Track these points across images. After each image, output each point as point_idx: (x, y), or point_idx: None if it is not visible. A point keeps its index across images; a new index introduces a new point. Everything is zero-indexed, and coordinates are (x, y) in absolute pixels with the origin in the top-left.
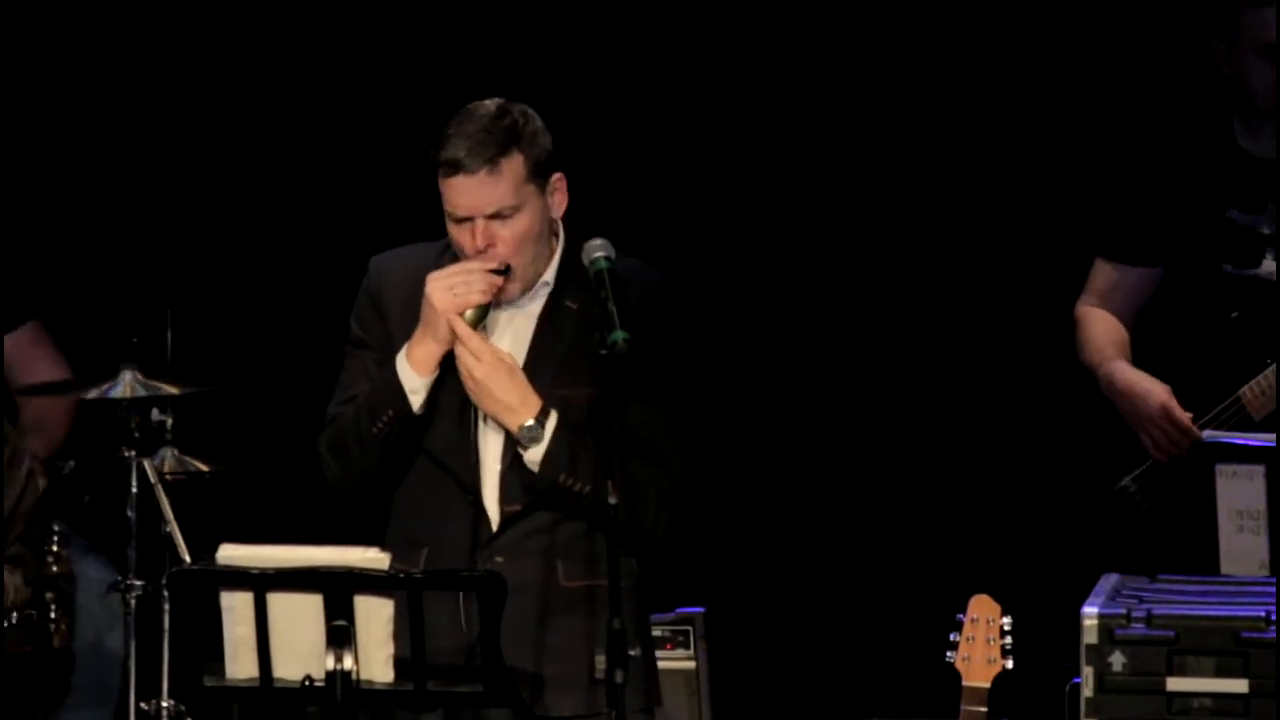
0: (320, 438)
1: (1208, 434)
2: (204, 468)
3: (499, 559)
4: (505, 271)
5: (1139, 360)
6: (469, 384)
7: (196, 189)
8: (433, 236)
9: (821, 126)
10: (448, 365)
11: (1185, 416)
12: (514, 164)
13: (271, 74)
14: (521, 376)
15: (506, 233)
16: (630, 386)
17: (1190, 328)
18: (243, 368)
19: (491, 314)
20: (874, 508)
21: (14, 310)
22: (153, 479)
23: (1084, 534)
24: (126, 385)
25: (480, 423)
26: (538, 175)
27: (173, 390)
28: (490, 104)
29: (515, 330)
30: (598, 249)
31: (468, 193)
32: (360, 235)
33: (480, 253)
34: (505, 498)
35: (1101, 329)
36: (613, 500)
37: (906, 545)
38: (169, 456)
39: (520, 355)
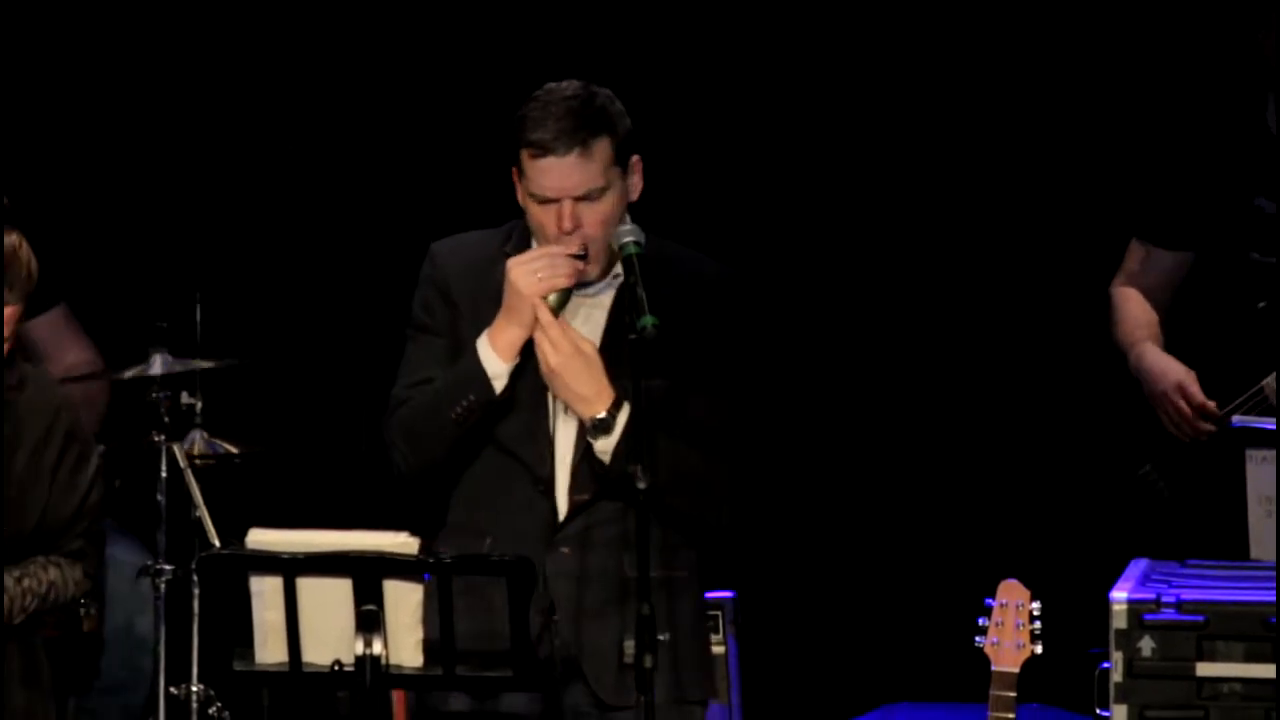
0: (388, 421)
1: (1237, 419)
2: (233, 450)
3: (565, 549)
4: (584, 256)
5: (1168, 347)
6: (545, 371)
7: (224, 172)
8: (458, 215)
9: (840, 117)
10: (525, 352)
11: (1202, 396)
12: (603, 146)
13: (296, 57)
14: (598, 367)
15: (592, 215)
16: (692, 378)
17: (1218, 316)
18: (272, 350)
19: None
20: (904, 493)
21: (40, 295)
22: (182, 464)
23: (1113, 519)
24: (156, 370)
25: (556, 412)
26: (621, 158)
27: (204, 364)
28: (572, 85)
29: (587, 319)
30: (627, 234)
31: (557, 174)
32: (388, 219)
33: (567, 234)
34: (575, 488)
35: (1133, 309)
36: (641, 485)
37: (936, 530)
38: (198, 439)
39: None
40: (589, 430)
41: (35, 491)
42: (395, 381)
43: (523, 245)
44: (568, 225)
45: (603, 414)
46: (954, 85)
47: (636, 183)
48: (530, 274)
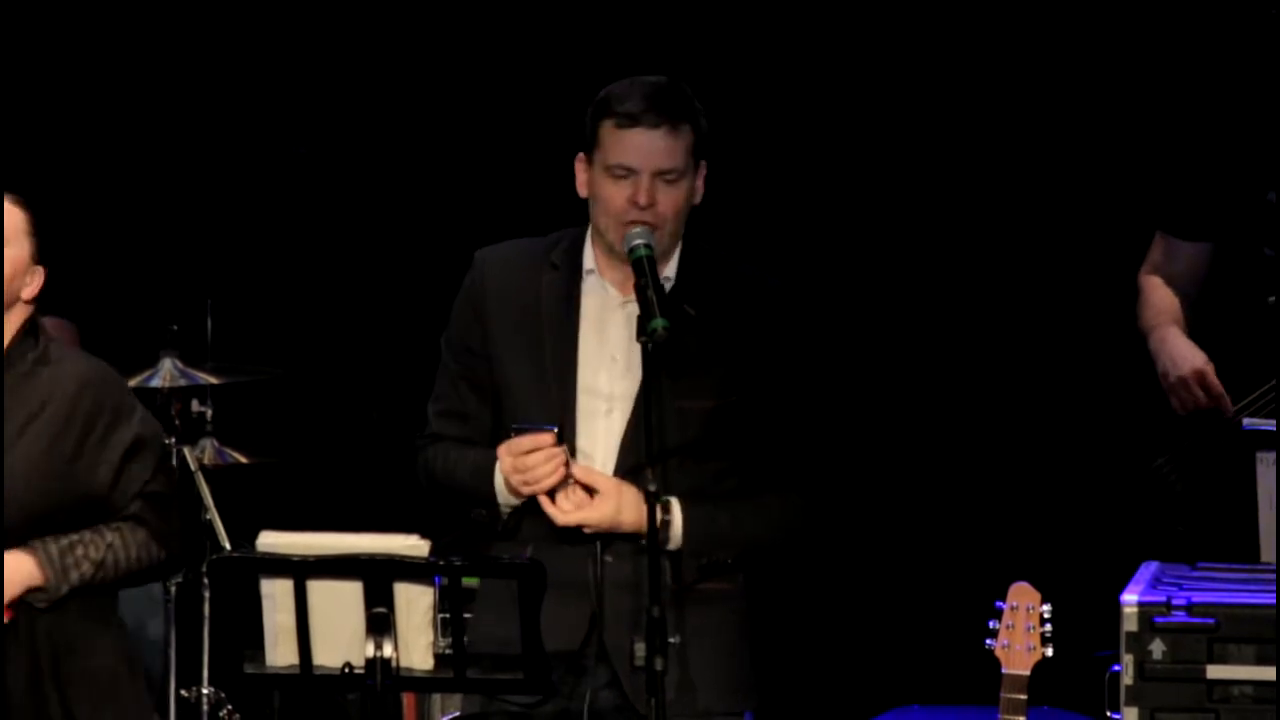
0: (419, 454)
1: (1247, 421)
2: (243, 459)
3: (609, 558)
4: (560, 439)
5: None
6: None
7: (236, 178)
8: (469, 226)
9: (848, 113)
10: (559, 365)
11: (1220, 386)
12: (686, 132)
13: (313, 65)
14: (629, 498)
15: (668, 197)
16: (761, 404)
17: (1229, 311)
18: (282, 358)
19: (611, 310)
20: (914, 495)
21: (52, 302)
22: (193, 466)
23: (1124, 522)
24: (166, 373)
25: (596, 424)
26: (696, 153)
27: (212, 380)
28: (655, 76)
29: (634, 329)
30: (637, 237)
31: (642, 146)
32: (399, 225)
33: (641, 209)
34: None
35: (1158, 295)
36: (651, 488)
37: (946, 533)
38: (209, 448)
39: (634, 353)
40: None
41: (74, 464)
42: (430, 398)
43: (571, 253)
44: (644, 199)
45: None
46: (971, 84)
47: (700, 187)
48: (518, 480)
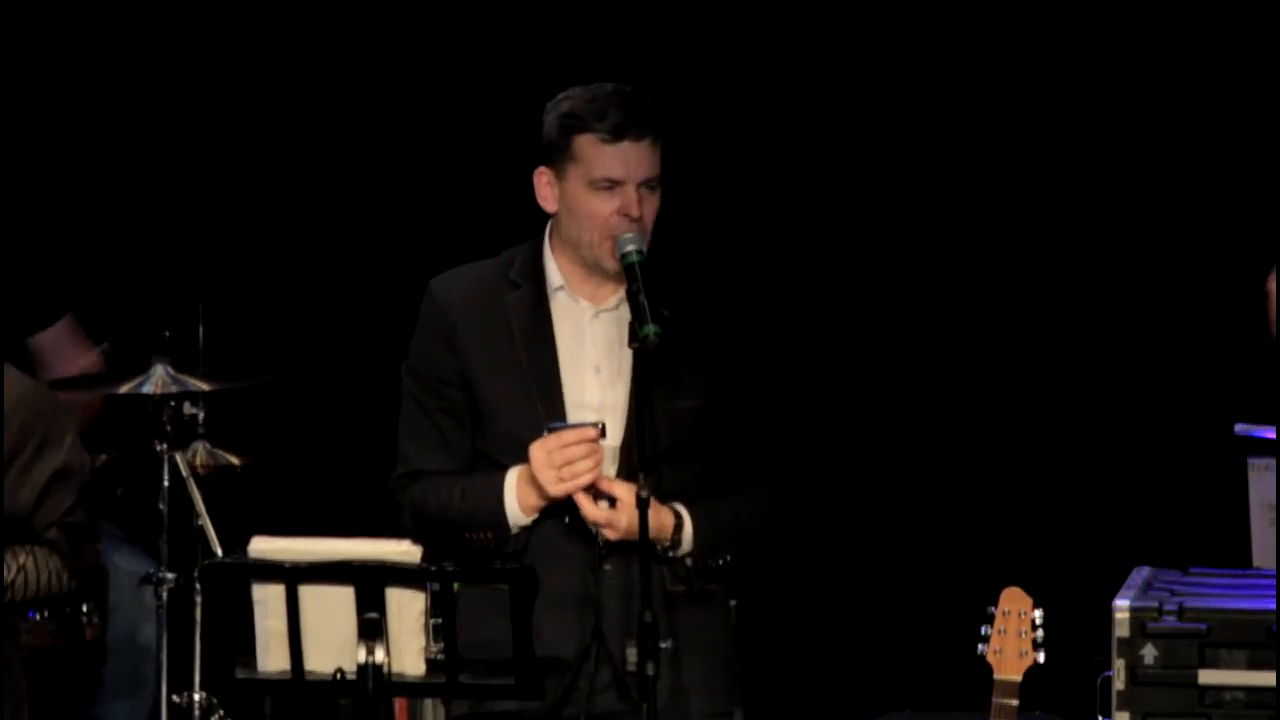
0: (399, 494)
1: (1239, 427)
2: (235, 461)
3: (608, 566)
4: (604, 434)
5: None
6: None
7: (228, 182)
8: (459, 229)
9: (853, 111)
10: (552, 380)
11: None
12: (659, 142)
13: (302, 68)
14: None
15: (650, 206)
16: (737, 397)
17: None
18: (274, 362)
19: (586, 322)
20: (905, 500)
21: (49, 307)
22: (184, 472)
23: (1116, 527)
24: (158, 379)
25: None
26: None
27: (204, 386)
28: (613, 84)
29: (611, 337)
30: (629, 242)
31: (629, 159)
32: (392, 230)
33: (634, 220)
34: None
35: None
36: (643, 494)
37: (938, 538)
38: (200, 450)
39: (617, 361)
40: (662, 553)
41: None
42: (399, 435)
43: (532, 270)
44: (635, 211)
45: (667, 541)
46: (968, 81)
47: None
48: (555, 480)
